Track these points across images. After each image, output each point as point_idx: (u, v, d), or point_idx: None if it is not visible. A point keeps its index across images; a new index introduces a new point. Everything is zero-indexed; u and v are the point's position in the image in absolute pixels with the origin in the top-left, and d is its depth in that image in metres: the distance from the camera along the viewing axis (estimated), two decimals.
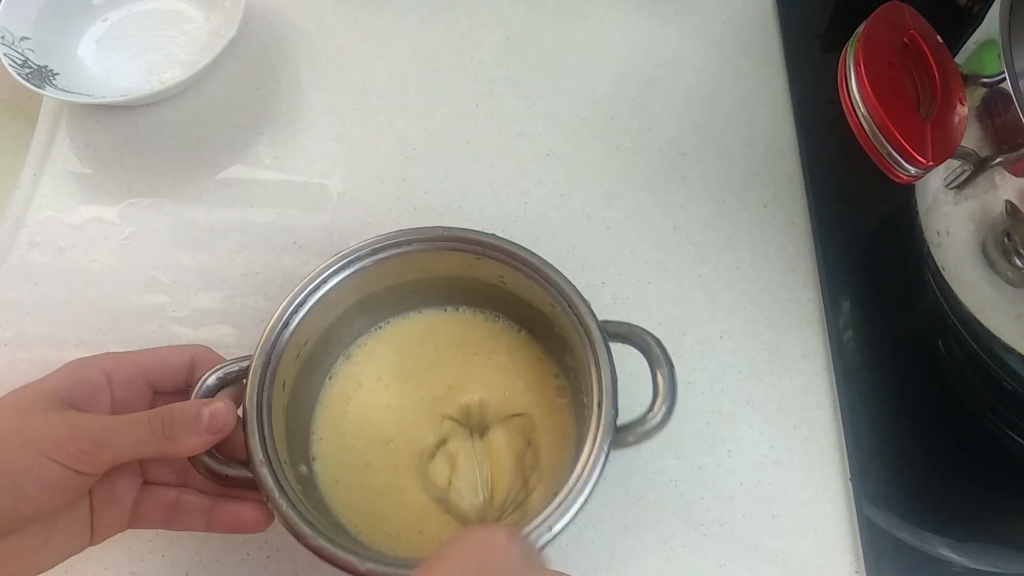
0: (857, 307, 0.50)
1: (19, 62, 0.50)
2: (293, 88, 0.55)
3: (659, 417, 0.35)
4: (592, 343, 0.36)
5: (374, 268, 0.39)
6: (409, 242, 0.39)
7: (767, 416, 0.45)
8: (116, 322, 0.46)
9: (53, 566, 0.32)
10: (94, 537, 0.33)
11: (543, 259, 0.38)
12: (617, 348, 0.36)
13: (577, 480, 0.33)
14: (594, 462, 0.33)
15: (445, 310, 0.43)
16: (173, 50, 0.55)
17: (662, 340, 0.36)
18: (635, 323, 0.37)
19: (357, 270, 0.38)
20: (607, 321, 0.37)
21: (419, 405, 0.40)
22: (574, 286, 0.38)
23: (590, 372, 0.36)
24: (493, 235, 0.39)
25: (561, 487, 0.33)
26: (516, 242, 0.39)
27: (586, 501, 0.33)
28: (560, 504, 0.32)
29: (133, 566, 0.39)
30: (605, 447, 0.34)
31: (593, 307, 0.37)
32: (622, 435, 0.35)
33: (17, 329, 0.45)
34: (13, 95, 0.60)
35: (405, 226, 0.39)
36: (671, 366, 0.36)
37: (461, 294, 0.42)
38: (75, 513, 0.32)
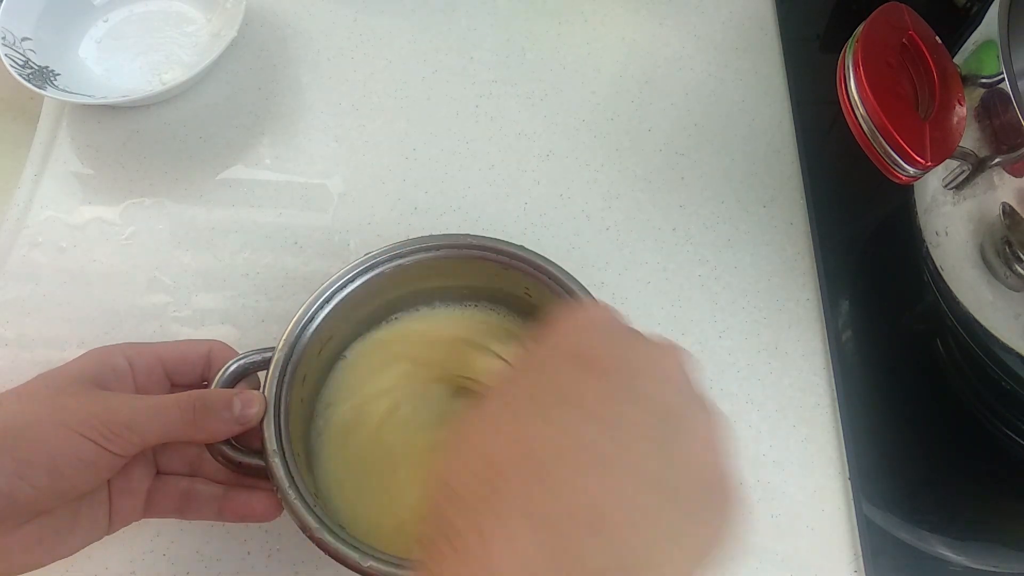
0: (856, 307, 0.50)
1: (20, 63, 0.50)
2: (294, 89, 0.55)
3: None
4: None
5: (400, 271, 0.39)
6: (437, 247, 0.39)
7: (766, 415, 0.45)
8: (117, 322, 0.46)
9: (74, 553, 0.32)
10: (112, 526, 0.33)
11: (569, 274, 0.38)
12: None
13: None
14: None
15: (464, 306, 0.43)
16: (174, 51, 0.55)
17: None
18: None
19: (383, 272, 0.39)
20: None
21: (429, 404, 0.40)
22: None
23: None
24: (521, 247, 0.39)
25: None
26: (543, 255, 0.39)
27: None
28: None
29: (134, 565, 0.39)
30: None
31: None
32: None
33: (18, 329, 0.45)
34: (14, 96, 0.60)
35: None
36: None
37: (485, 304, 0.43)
38: (96, 500, 0.33)
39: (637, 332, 0.26)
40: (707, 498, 0.23)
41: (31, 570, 0.31)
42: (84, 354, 0.34)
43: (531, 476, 0.22)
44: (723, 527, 0.24)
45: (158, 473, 0.35)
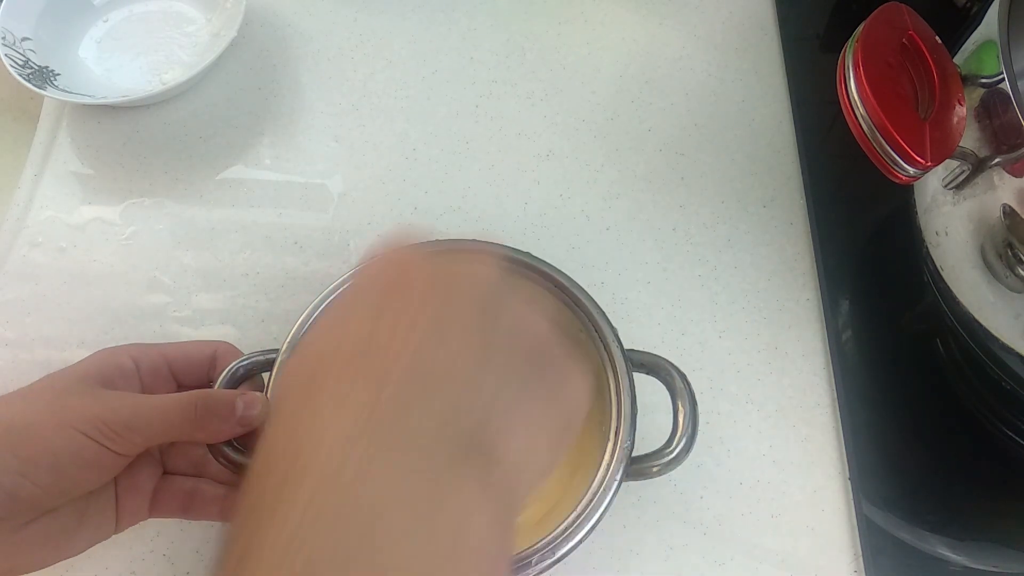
0: (856, 307, 0.50)
1: (20, 63, 0.50)
2: (293, 89, 0.55)
3: (677, 451, 0.35)
4: (616, 372, 0.36)
5: None
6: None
7: (766, 415, 0.45)
8: (117, 322, 0.46)
9: (81, 551, 0.32)
10: (119, 524, 0.34)
11: (575, 282, 0.38)
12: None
13: (587, 507, 0.33)
14: (604, 491, 0.33)
15: None
16: (174, 51, 0.55)
17: (680, 366, 0.37)
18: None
19: None
20: (632, 351, 0.37)
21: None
22: (603, 312, 0.37)
23: (610, 400, 0.35)
24: (528, 253, 0.39)
25: (570, 512, 0.33)
26: (550, 263, 0.39)
27: (592, 528, 0.32)
28: (567, 529, 0.32)
29: (134, 565, 0.39)
30: (617, 476, 0.33)
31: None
32: (637, 466, 0.34)
33: (19, 329, 0.45)
34: (14, 96, 0.60)
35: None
36: (694, 402, 0.35)
37: None
38: (103, 499, 0.33)
39: (445, 244, 0.27)
40: (539, 359, 0.24)
41: (38, 568, 0.31)
42: (91, 355, 0.35)
43: (350, 362, 0.22)
44: (566, 382, 0.25)
45: (164, 473, 0.36)
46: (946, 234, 0.42)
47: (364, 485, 0.19)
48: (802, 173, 0.53)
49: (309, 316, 0.37)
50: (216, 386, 0.35)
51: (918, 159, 0.35)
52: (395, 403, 0.21)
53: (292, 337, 0.36)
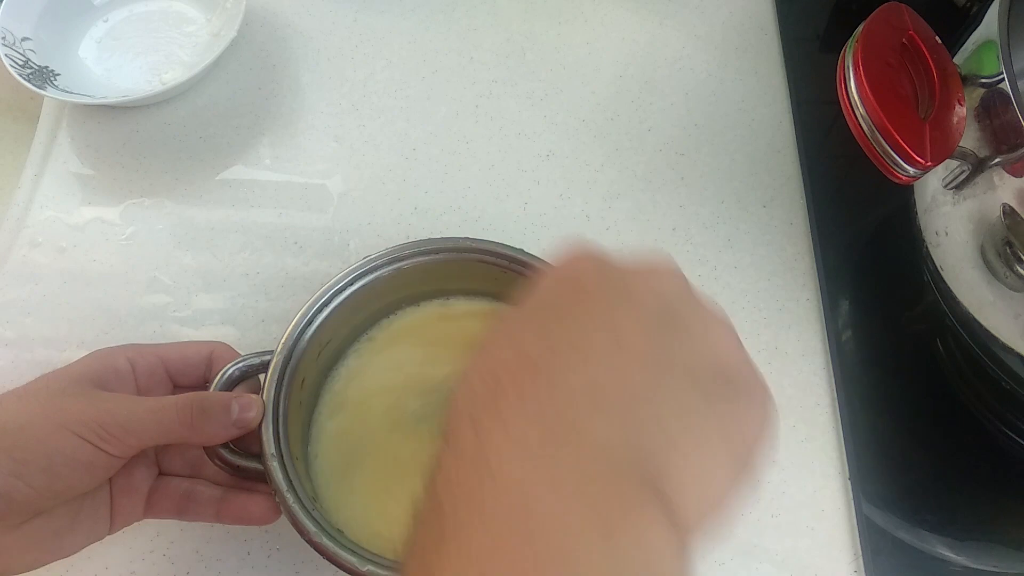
0: (856, 307, 0.50)
1: (20, 63, 0.50)
2: (293, 89, 0.55)
3: None
4: None
5: (399, 275, 0.39)
6: (436, 251, 0.39)
7: None
8: (117, 322, 0.46)
9: (75, 552, 0.32)
10: (113, 525, 0.34)
11: None
12: None
13: None
14: None
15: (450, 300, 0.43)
16: (174, 51, 0.55)
17: None
18: None
19: (381, 275, 0.39)
20: None
21: (427, 406, 0.40)
22: None
23: None
24: (521, 250, 0.39)
25: None
26: (544, 259, 0.38)
27: None
28: None
29: (134, 565, 0.39)
30: None
31: None
32: None
33: (18, 329, 0.45)
34: (14, 96, 0.60)
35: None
36: None
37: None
38: (97, 500, 0.33)
39: (627, 256, 0.26)
40: (725, 380, 0.23)
41: (32, 568, 0.31)
42: (86, 355, 0.34)
43: (526, 374, 0.21)
44: (754, 409, 0.23)
45: (160, 474, 0.36)
46: (946, 234, 0.42)
47: (537, 506, 0.19)
48: (802, 173, 0.53)
49: (303, 317, 0.37)
50: (212, 388, 0.35)
51: (918, 159, 0.35)
52: (562, 429, 0.20)
53: (287, 339, 0.36)
